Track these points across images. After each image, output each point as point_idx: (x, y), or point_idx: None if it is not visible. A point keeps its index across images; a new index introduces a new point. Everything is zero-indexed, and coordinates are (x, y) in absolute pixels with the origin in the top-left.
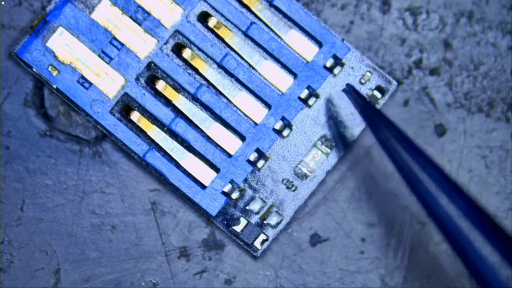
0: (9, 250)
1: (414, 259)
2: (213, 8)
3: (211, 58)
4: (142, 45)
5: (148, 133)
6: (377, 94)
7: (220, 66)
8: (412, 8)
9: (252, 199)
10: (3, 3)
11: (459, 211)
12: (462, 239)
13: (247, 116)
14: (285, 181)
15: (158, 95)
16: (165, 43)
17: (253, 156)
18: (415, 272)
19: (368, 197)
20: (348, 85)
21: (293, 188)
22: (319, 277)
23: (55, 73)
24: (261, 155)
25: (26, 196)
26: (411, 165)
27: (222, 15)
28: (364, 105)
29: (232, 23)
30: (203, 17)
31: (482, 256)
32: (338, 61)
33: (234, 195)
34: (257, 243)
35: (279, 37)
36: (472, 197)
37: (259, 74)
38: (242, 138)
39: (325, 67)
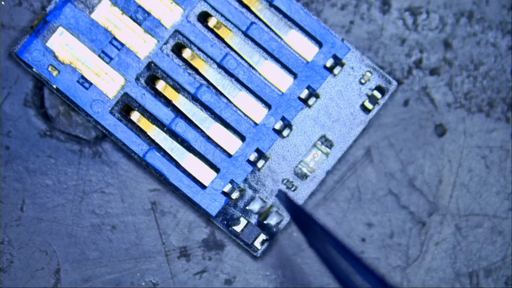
0: (9, 250)
1: (414, 259)
2: (213, 8)
3: (211, 58)
4: (142, 45)
5: (148, 133)
6: (377, 94)
7: (220, 66)
8: (412, 8)
9: (252, 199)
10: (3, 3)
11: None
12: None
13: (247, 116)
14: (285, 181)
15: (158, 95)
16: (165, 43)
17: (253, 156)
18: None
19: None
20: (280, 191)
21: (293, 188)
22: (319, 277)
23: (55, 73)
24: (261, 155)
25: (26, 196)
26: (347, 271)
27: (222, 15)
28: (297, 212)
29: (232, 23)
30: (203, 17)
31: None
32: (338, 61)
33: (234, 195)
34: (257, 243)
35: (279, 37)
36: None
37: (259, 74)
38: (242, 138)
39: (325, 67)
